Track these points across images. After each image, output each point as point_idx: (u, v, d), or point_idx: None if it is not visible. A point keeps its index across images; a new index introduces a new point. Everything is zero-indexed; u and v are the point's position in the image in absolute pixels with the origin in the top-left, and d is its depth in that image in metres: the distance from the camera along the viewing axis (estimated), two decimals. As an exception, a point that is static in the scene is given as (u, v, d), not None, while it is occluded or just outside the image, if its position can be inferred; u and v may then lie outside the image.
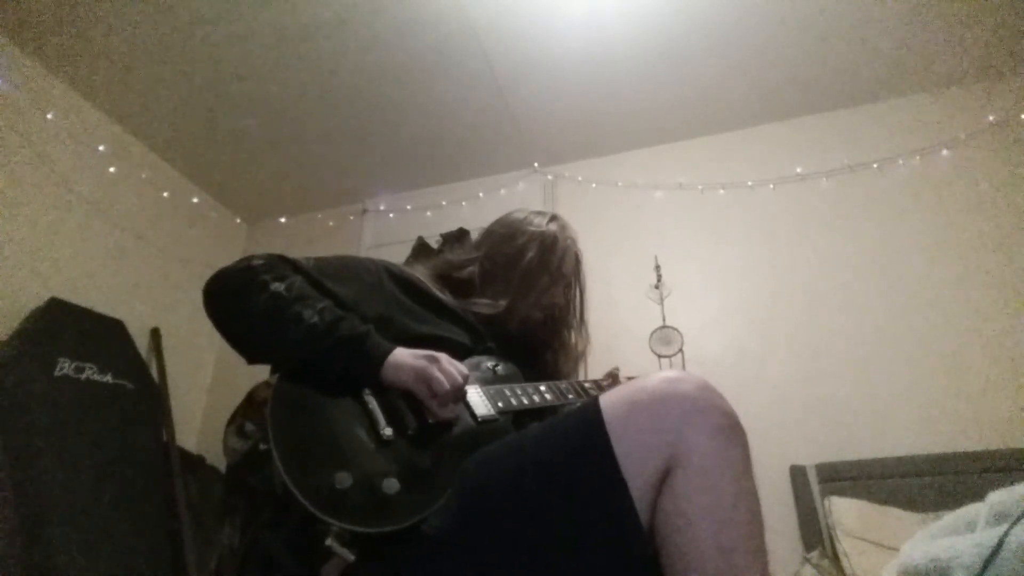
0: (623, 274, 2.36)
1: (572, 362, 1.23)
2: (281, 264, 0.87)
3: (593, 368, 1.32)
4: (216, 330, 0.85)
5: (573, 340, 1.23)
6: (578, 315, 1.25)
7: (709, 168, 2.51)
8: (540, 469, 0.71)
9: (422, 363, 0.81)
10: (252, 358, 0.84)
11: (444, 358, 0.83)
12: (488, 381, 0.97)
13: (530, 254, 1.13)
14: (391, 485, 0.69)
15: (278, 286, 0.82)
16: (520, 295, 1.10)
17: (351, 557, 0.64)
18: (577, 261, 1.24)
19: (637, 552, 0.66)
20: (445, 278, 1.12)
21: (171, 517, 2.12)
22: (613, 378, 1.27)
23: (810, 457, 1.89)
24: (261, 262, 0.86)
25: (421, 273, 1.09)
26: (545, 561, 0.66)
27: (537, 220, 1.19)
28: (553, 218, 1.22)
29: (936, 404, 1.88)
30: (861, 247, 2.18)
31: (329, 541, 0.63)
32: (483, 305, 1.07)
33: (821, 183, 2.35)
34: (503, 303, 1.07)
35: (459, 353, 0.93)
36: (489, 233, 1.21)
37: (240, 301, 0.82)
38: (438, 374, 0.80)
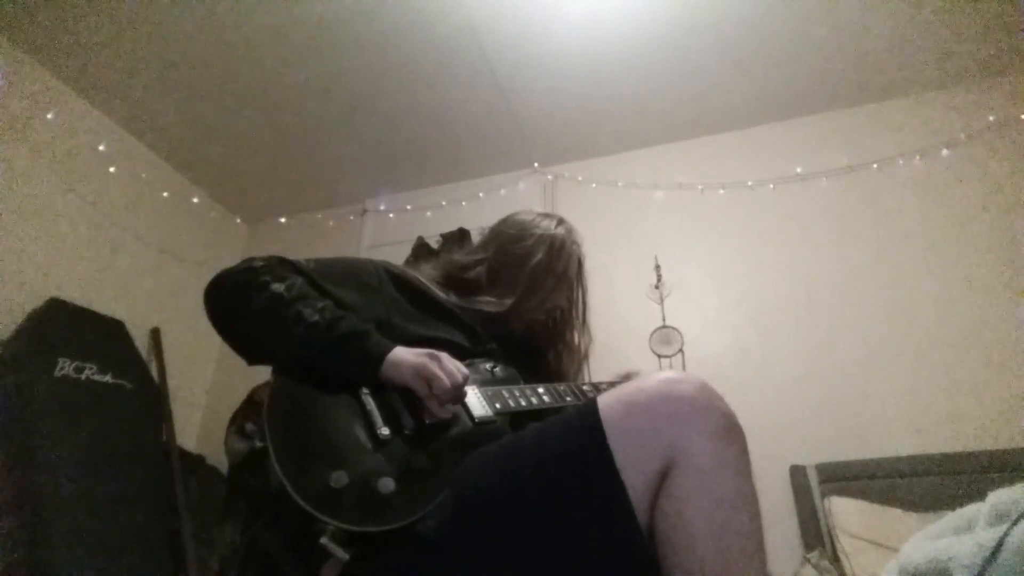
0: (623, 274, 2.36)
1: (576, 363, 1.23)
2: (281, 266, 0.88)
3: (595, 367, 1.32)
4: (216, 332, 0.85)
5: (576, 340, 1.24)
6: (580, 316, 1.25)
7: (709, 168, 2.51)
8: (538, 470, 0.71)
9: (423, 360, 0.81)
10: (252, 359, 0.84)
11: (445, 356, 0.83)
12: (486, 382, 0.96)
13: (538, 256, 1.13)
14: (387, 484, 0.69)
15: (278, 287, 0.83)
16: (526, 296, 1.10)
17: (345, 556, 0.64)
18: (580, 265, 1.24)
19: (636, 553, 0.66)
20: (451, 278, 1.12)
21: (171, 517, 2.12)
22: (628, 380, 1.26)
23: (810, 457, 1.88)
24: (261, 263, 0.86)
25: (426, 273, 1.10)
26: (542, 562, 0.66)
27: (545, 223, 1.19)
28: (560, 221, 1.22)
29: (936, 404, 1.88)
30: (861, 247, 2.18)
31: (324, 540, 0.63)
32: (487, 303, 1.07)
33: (821, 183, 2.34)
34: (508, 302, 1.07)
35: (458, 355, 0.92)
36: (497, 233, 1.20)
37: (241, 302, 0.83)
38: (439, 372, 0.80)
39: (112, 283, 2.44)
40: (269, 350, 0.83)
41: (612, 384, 1.25)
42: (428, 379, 0.80)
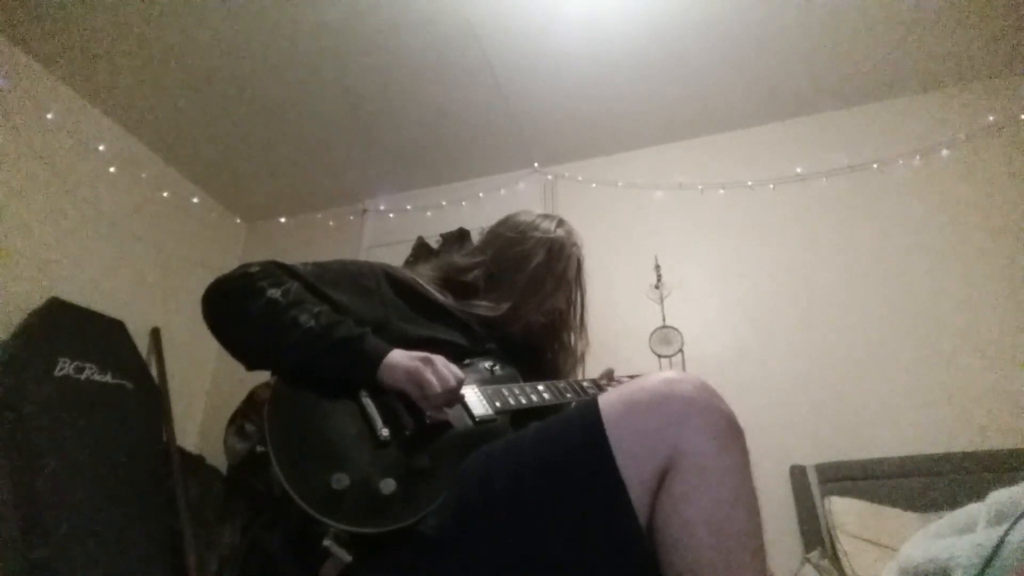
0: (623, 274, 2.36)
1: (572, 363, 1.23)
2: (278, 270, 0.88)
3: (592, 368, 1.32)
4: (214, 338, 0.85)
5: (573, 342, 1.23)
6: (578, 318, 1.25)
7: (709, 168, 2.51)
8: (538, 469, 0.71)
9: (415, 364, 0.81)
10: (251, 365, 0.84)
11: (439, 360, 0.83)
12: (486, 381, 0.96)
13: (537, 259, 1.13)
14: (388, 485, 0.70)
15: (275, 292, 0.83)
16: (524, 299, 1.10)
17: (348, 558, 0.64)
18: (579, 266, 1.24)
19: (636, 552, 0.66)
20: (449, 281, 1.12)
21: (171, 517, 2.12)
22: (609, 378, 1.27)
23: (810, 457, 1.88)
24: (257, 269, 0.86)
25: (423, 275, 1.09)
26: (543, 561, 0.66)
27: (544, 224, 1.19)
28: (560, 223, 1.21)
29: (936, 404, 1.88)
30: (861, 247, 2.18)
31: (327, 542, 0.63)
32: (484, 307, 1.06)
33: (821, 183, 2.34)
34: (504, 306, 1.07)
35: (457, 355, 0.93)
36: (495, 236, 1.20)
37: (237, 308, 0.83)
38: (430, 376, 0.80)
39: (112, 283, 2.44)
40: (266, 356, 0.83)
41: (612, 382, 1.25)
42: (420, 383, 0.80)
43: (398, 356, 0.82)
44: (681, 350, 2.02)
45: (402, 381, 0.81)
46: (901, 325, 2.02)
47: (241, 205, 3.10)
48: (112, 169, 2.48)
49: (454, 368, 0.84)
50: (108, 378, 2.18)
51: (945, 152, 2.22)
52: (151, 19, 2.06)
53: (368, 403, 0.80)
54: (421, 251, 2.69)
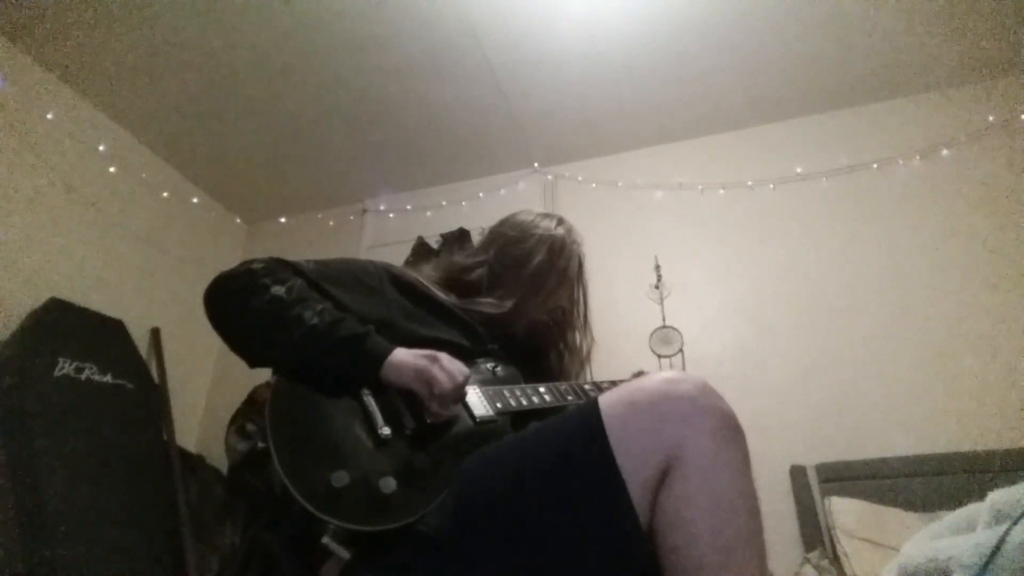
0: (623, 274, 2.36)
1: (578, 363, 1.23)
2: (281, 267, 0.88)
3: (595, 367, 1.32)
4: (217, 334, 0.85)
5: (578, 341, 1.24)
6: (582, 317, 1.25)
7: (709, 168, 2.51)
8: (538, 469, 0.71)
9: (423, 362, 0.82)
10: (253, 361, 0.84)
11: (444, 357, 0.84)
12: (488, 382, 0.97)
13: (539, 257, 1.14)
14: (388, 484, 0.70)
15: (278, 289, 0.83)
16: (527, 297, 1.11)
17: (346, 555, 0.64)
18: (581, 264, 1.25)
19: (636, 552, 0.66)
20: (452, 280, 1.12)
21: (171, 517, 2.12)
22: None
23: (810, 457, 1.88)
24: (261, 265, 0.86)
25: (426, 274, 1.10)
26: (543, 561, 0.66)
27: (545, 223, 1.20)
28: (560, 221, 1.23)
29: (936, 404, 1.88)
30: (861, 247, 2.18)
31: (325, 539, 0.63)
32: (488, 304, 1.07)
33: (821, 183, 2.34)
34: (508, 303, 1.08)
35: (459, 355, 0.93)
36: (498, 235, 1.20)
37: (241, 305, 0.83)
38: (439, 373, 0.80)
39: (112, 283, 2.44)
40: (270, 353, 0.83)
41: (615, 383, 1.25)
42: (429, 381, 0.80)
43: (403, 355, 0.83)
44: (681, 350, 2.02)
45: (410, 379, 0.81)
46: (901, 325, 2.02)
47: (241, 205, 3.10)
48: (112, 169, 2.48)
49: (459, 364, 0.84)
50: (108, 378, 2.18)
51: (945, 152, 2.22)
52: (151, 20, 2.06)
53: (370, 401, 0.80)
54: (421, 251, 2.69)
